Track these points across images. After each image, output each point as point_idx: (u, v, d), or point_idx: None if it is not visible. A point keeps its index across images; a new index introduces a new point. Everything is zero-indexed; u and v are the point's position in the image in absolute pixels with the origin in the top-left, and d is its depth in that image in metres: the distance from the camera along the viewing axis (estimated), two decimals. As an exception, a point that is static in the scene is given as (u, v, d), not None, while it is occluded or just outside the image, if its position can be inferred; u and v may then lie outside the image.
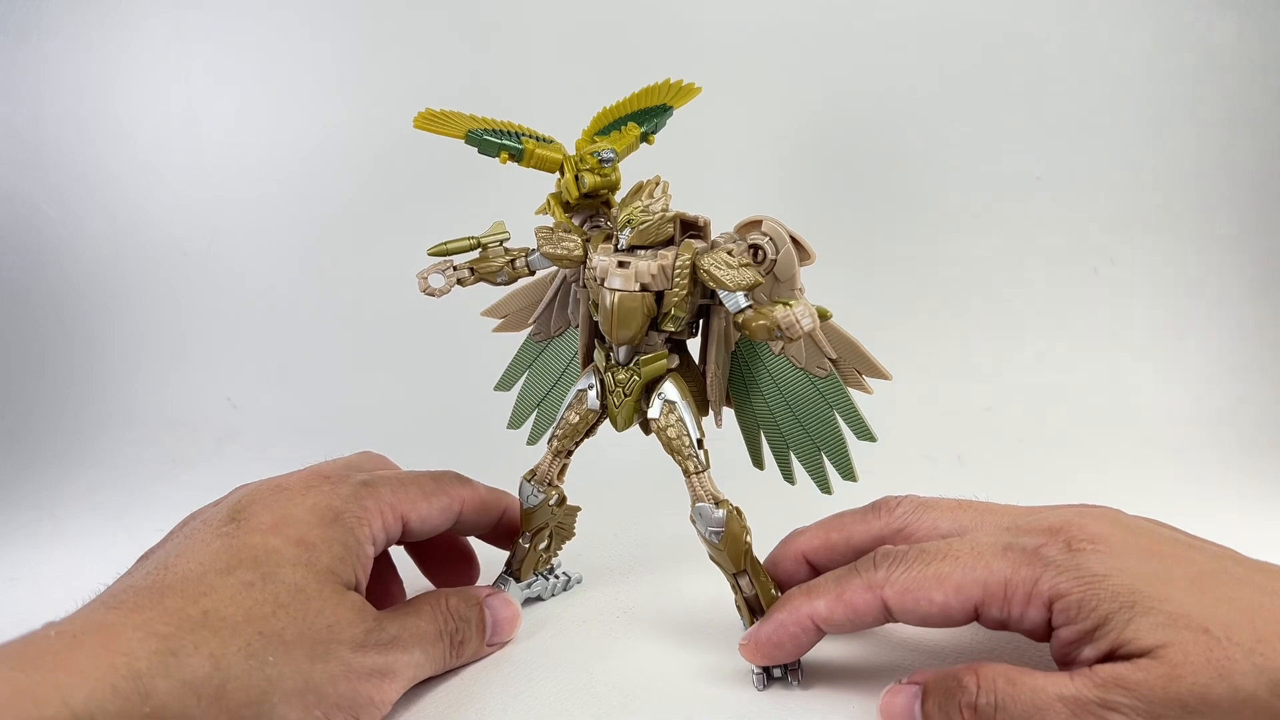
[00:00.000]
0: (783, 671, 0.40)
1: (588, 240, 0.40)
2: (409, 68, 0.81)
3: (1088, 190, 0.86)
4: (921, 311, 0.83)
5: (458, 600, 0.40)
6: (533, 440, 0.49)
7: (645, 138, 0.42)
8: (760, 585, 0.40)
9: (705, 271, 0.38)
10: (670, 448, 0.41)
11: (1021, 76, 0.85)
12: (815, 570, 0.42)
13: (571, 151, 0.40)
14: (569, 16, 0.81)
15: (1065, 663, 0.34)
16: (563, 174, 0.40)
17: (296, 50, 0.82)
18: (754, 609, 0.41)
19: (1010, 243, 0.85)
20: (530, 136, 0.40)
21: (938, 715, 0.34)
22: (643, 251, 0.39)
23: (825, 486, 0.42)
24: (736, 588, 0.41)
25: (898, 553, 0.37)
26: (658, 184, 0.39)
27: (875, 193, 0.84)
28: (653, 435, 0.42)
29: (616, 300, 0.38)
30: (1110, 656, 0.32)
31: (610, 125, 0.42)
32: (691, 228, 0.40)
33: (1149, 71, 0.86)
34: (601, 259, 0.39)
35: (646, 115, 0.42)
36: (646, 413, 0.41)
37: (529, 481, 0.44)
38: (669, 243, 0.39)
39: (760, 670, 0.40)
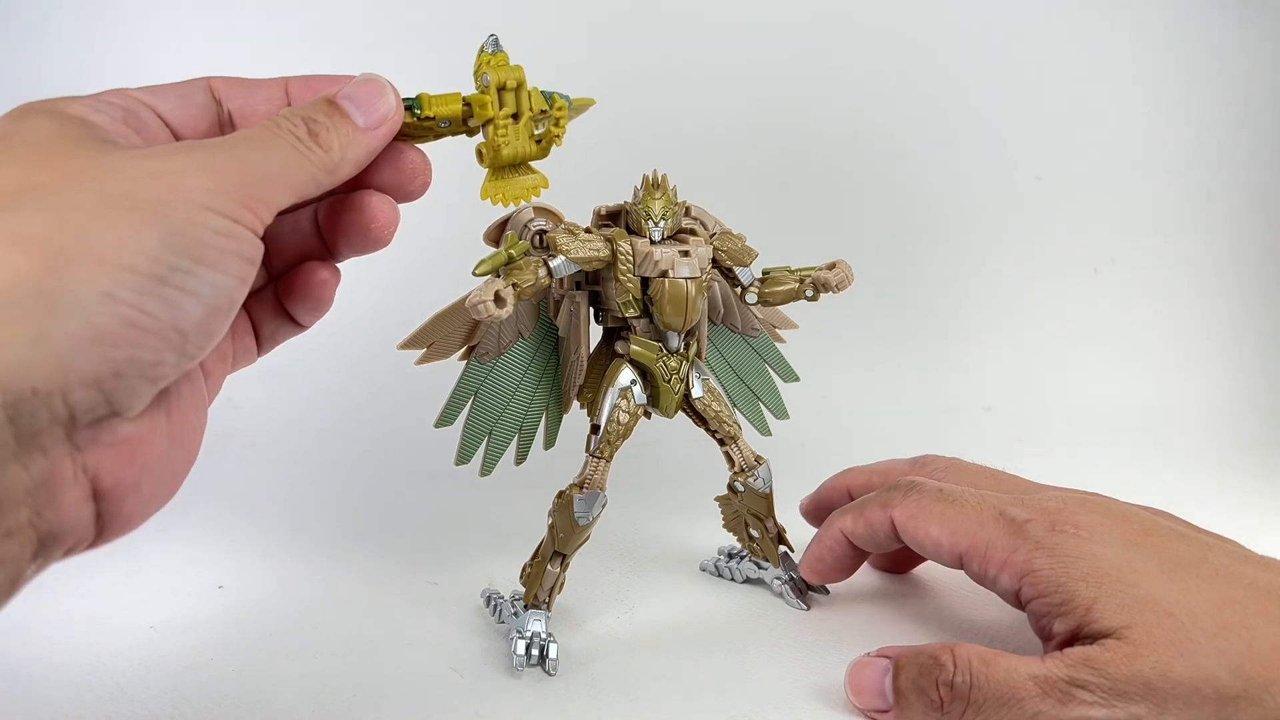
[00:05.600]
0: (800, 592, 0.47)
1: (609, 240, 0.40)
2: (413, 69, 0.81)
3: (1088, 190, 0.86)
4: (921, 310, 0.83)
5: (293, 106, 0.32)
6: (486, 471, 0.43)
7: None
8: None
9: (724, 252, 0.42)
10: (718, 419, 0.44)
11: (1023, 75, 0.85)
12: None
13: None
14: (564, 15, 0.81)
15: (1043, 636, 0.36)
16: (470, 112, 0.34)
17: (299, 52, 0.82)
18: (781, 540, 0.48)
19: (1010, 242, 0.85)
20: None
21: (912, 691, 0.35)
22: (677, 240, 0.41)
23: (765, 429, 0.51)
24: (765, 530, 0.47)
25: (918, 484, 0.42)
26: (665, 177, 0.41)
27: (875, 191, 0.84)
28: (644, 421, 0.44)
29: (694, 288, 0.40)
30: (1078, 636, 0.34)
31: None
32: (687, 215, 0.43)
33: (1149, 71, 0.86)
34: (664, 250, 0.40)
35: None
36: (691, 394, 0.44)
37: (583, 491, 0.41)
38: (679, 230, 0.42)
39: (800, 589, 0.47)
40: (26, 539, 0.23)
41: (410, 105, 0.33)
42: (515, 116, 0.35)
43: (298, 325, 0.36)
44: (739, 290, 0.44)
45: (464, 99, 0.34)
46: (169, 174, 0.25)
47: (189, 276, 0.24)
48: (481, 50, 0.35)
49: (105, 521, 0.26)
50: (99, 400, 0.23)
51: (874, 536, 0.43)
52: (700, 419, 0.45)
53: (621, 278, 0.40)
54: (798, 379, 0.51)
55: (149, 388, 0.25)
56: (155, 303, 0.24)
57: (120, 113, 0.29)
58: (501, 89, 0.34)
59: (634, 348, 0.42)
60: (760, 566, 0.49)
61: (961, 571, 0.40)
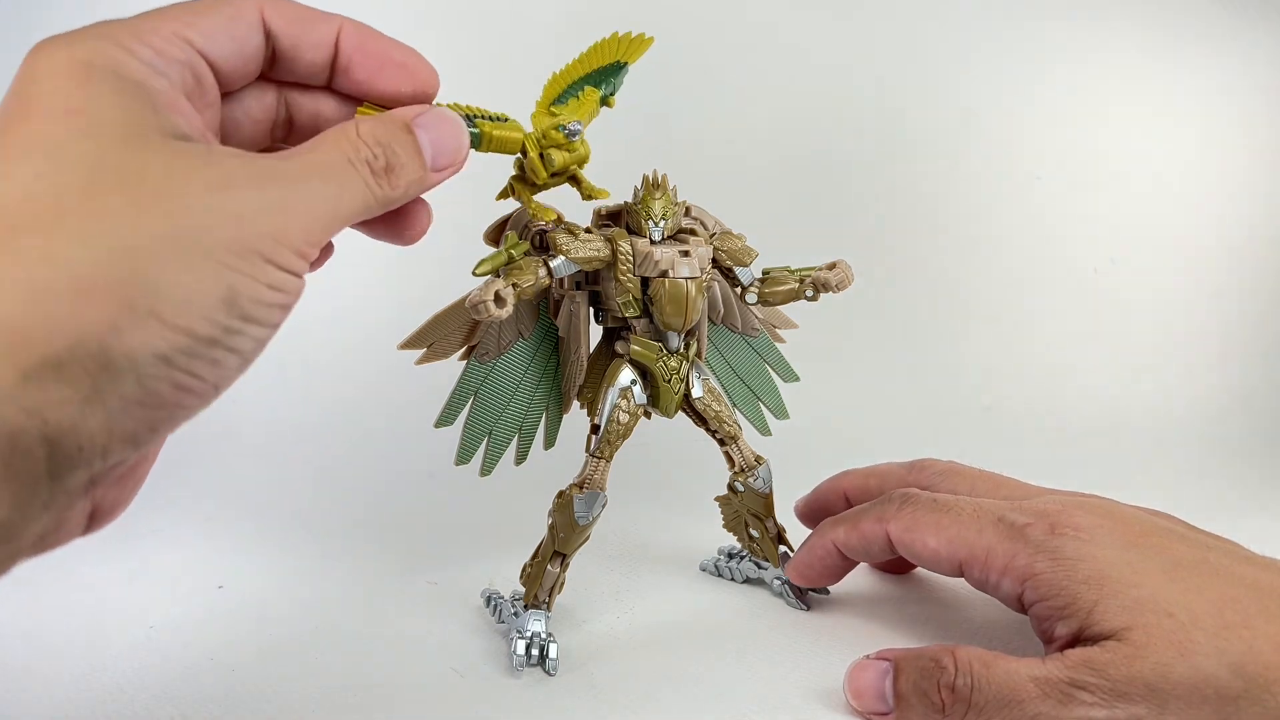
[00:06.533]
0: (800, 592, 0.47)
1: (609, 240, 0.41)
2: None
3: (1088, 190, 0.86)
4: (921, 310, 0.83)
5: (372, 125, 0.30)
6: (486, 471, 0.43)
7: (605, 101, 0.38)
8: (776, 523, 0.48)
9: (724, 252, 0.42)
10: (718, 419, 0.45)
11: (1022, 74, 0.85)
12: (852, 506, 0.47)
13: (528, 127, 0.37)
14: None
15: (1046, 639, 0.36)
16: (525, 154, 0.36)
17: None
18: (781, 540, 0.48)
19: (1010, 243, 0.85)
20: (482, 116, 0.35)
21: (912, 693, 0.35)
22: (677, 240, 0.41)
23: (765, 429, 0.50)
24: (765, 530, 0.47)
25: (912, 495, 0.42)
26: (665, 177, 0.41)
27: (875, 191, 0.84)
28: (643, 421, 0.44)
29: (694, 288, 0.40)
30: (1080, 638, 0.34)
31: (565, 92, 0.38)
32: (687, 215, 0.43)
33: (1149, 69, 0.86)
34: (664, 250, 0.40)
35: (601, 76, 0.39)
36: (691, 394, 0.44)
37: (583, 491, 0.41)
38: (679, 230, 0.42)
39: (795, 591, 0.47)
40: (19, 558, 0.23)
41: (470, 141, 0.33)
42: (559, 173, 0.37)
43: None
44: (739, 290, 0.44)
45: (523, 144, 0.36)
46: (241, 218, 0.24)
47: (238, 336, 0.24)
48: (563, 127, 0.36)
49: (87, 529, 0.26)
50: (131, 452, 0.24)
51: (868, 549, 0.43)
52: (700, 419, 0.45)
53: (621, 278, 0.40)
54: (798, 379, 0.51)
55: (172, 431, 0.25)
56: (204, 365, 0.24)
57: (179, 74, 0.27)
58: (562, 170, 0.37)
59: (634, 348, 0.42)
60: (760, 566, 0.49)
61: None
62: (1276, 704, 0.32)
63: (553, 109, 0.38)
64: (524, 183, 0.37)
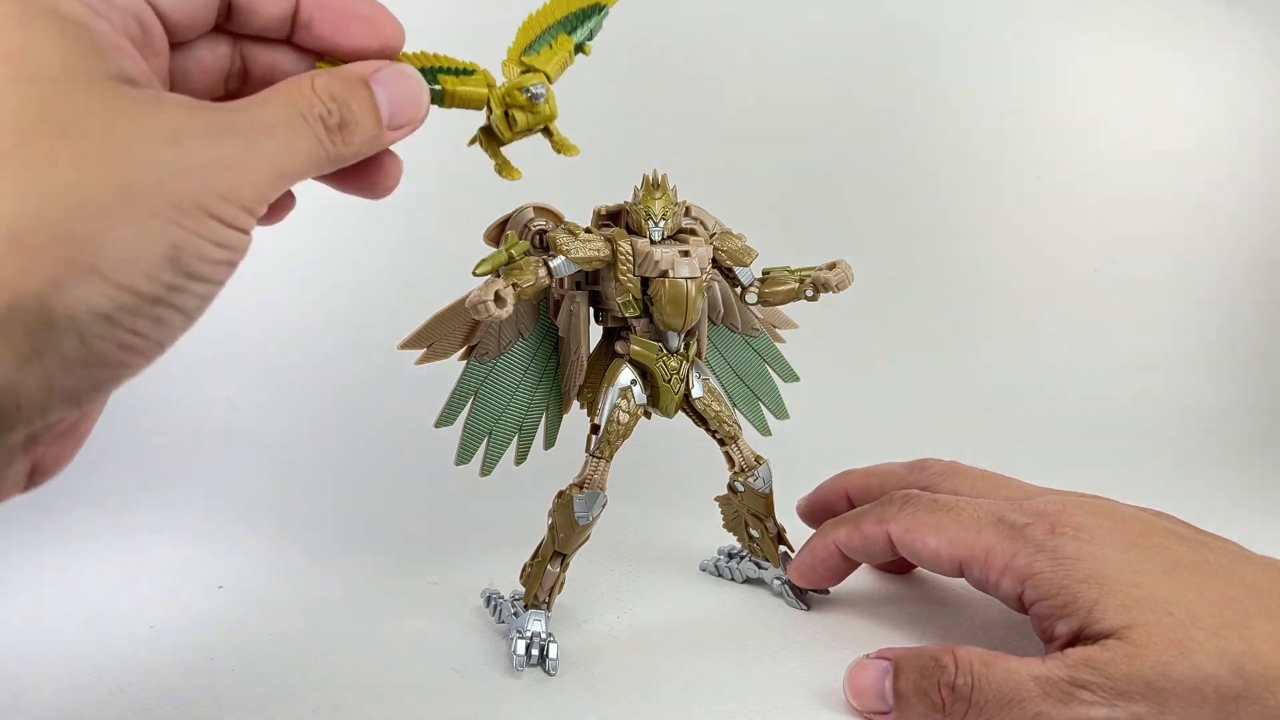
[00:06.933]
0: (800, 592, 0.47)
1: (609, 240, 0.41)
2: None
3: (1088, 190, 0.86)
4: (921, 311, 0.83)
5: (327, 80, 0.28)
6: (486, 471, 0.43)
7: (580, 48, 0.36)
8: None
9: (724, 252, 0.42)
10: (718, 419, 0.45)
11: (1023, 75, 0.85)
12: (854, 506, 0.47)
13: (499, 77, 0.35)
14: None
15: (1046, 638, 0.36)
16: (490, 110, 0.35)
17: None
18: (781, 540, 0.48)
19: (1010, 243, 0.85)
20: (446, 69, 0.33)
21: (912, 693, 0.35)
22: (676, 240, 0.41)
23: (765, 429, 0.51)
24: (765, 530, 0.48)
25: (912, 497, 0.42)
26: (665, 177, 0.41)
27: (875, 192, 0.84)
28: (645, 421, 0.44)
29: (693, 288, 0.40)
30: (1080, 637, 0.34)
31: (539, 39, 0.36)
32: (687, 215, 0.43)
33: (1150, 70, 0.86)
34: (664, 250, 0.40)
35: (579, 20, 0.37)
36: (691, 394, 0.44)
37: (583, 491, 0.41)
38: (679, 230, 0.42)
39: (795, 592, 0.47)
40: None
41: (432, 98, 0.32)
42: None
43: None
44: (739, 290, 0.44)
45: (487, 101, 0.34)
46: (189, 172, 0.23)
47: (182, 294, 0.23)
48: (525, 90, 0.34)
49: (27, 485, 0.26)
50: (73, 410, 0.23)
51: (869, 550, 0.43)
52: (700, 419, 0.45)
53: (621, 278, 0.40)
54: (798, 379, 0.51)
55: (116, 388, 0.24)
56: (148, 324, 0.23)
57: (122, 20, 0.26)
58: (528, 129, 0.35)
59: (634, 348, 0.42)
60: (760, 566, 0.49)
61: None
62: (1276, 703, 0.32)
63: (524, 59, 0.36)
64: (491, 136, 0.35)
